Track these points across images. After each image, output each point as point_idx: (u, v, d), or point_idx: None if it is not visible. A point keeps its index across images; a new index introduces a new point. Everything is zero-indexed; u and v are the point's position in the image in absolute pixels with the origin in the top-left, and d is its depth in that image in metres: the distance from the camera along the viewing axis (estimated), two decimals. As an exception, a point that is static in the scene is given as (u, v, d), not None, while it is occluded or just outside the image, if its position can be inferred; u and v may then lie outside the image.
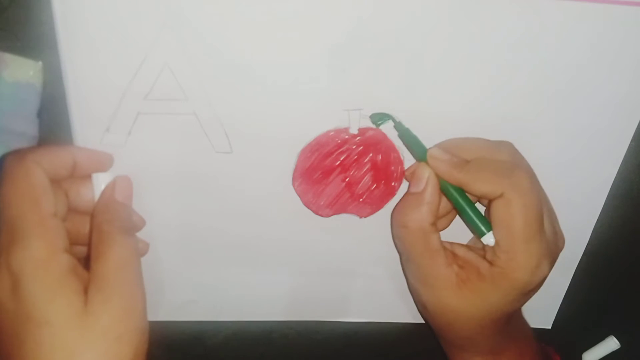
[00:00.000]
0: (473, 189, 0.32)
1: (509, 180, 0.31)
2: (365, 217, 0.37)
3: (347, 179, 0.36)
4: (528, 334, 0.39)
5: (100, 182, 0.33)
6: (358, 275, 0.40)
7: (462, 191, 0.33)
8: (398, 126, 0.34)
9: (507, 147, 0.33)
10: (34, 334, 0.27)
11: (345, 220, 0.37)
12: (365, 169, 0.35)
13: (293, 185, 0.36)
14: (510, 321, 0.35)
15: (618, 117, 0.35)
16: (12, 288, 0.27)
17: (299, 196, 0.36)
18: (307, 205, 0.36)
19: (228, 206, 0.36)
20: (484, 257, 0.33)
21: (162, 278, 0.39)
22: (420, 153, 0.34)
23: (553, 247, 0.32)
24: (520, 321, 0.38)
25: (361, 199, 0.36)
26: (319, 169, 0.35)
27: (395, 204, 0.37)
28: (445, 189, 0.33)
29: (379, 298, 0.41)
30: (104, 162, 0.33)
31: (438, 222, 0.35)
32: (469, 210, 0.33)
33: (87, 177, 0.33)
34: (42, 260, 0.27)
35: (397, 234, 0.34)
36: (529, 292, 0.32)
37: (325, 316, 0.42)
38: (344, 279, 0.40)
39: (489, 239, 0.32)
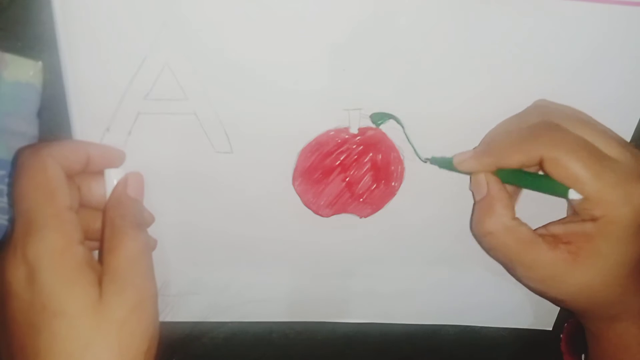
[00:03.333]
0: (510, 164, 0.31)
1: (539, 141, 0.30)
2: (365, 217, 0.37)
3: (347, 179, 0.36)
4: None
5: (112, 177, 0.33)
6: (358, 275, 0.40)
7: (521, 171, 0.32)
8: (433, 160, 0.35)
9: (535, 109, 0.32)
10: (50, 323, 0.27)
11: (345, 220, 0.37)
12: (365, 169, 0.35)
13: (293, 185, 0.36)
14: None
15: (618, 117, 0.35)
16: (28, 278, 0.27)
17: (299, 196, 0.36)
18: (307, 205, 0.36)
19: (228, 206, 0.36)
20: (586, 219, 0.31)
21: (162, 278, 0.39)
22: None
23: (635, 167, 0.30)
24: None
25: (361, 199, 0.36)
26: (319, 169, 0.35)
27: (395, 204, 0.37)
28: (507, 179, 0.32)
29: (379, 299, 0.41)
30: (116, 158, 0.33)
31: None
32: (538, 182, 0.31)
33: (99, 172, 0.33)
34: (58, 251, 0.27)
35: (487, 245, 0.33)
36: None
37: (325, 317, 0.42)
38: (344, 279, 0.40)
39: (574, 194, 0.30)
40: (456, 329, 0.44)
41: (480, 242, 0.34)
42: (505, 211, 0.32)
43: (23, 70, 0.34)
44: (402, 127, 0.34)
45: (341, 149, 0.35)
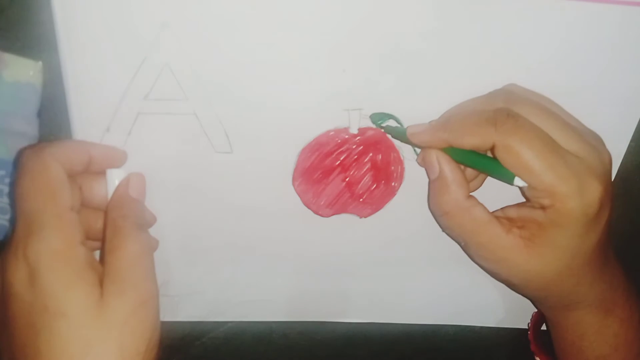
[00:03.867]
0: (462, 144, 0.31)
1: (494, 128, 0.29)
2: (365, 217, 0.37)
3: (347, 179, 0.36)
4: (631, 288, 0.36)
5: (114, 178, 0.33)
6: (358, 275, 0.40)
7: (474, 153, 0.31)
8: (387, 129, 0.34)
9: (501, 93, 0.32)
10: (50, 324, 0.27)
11: (345, 220, 0.37)
12: (365, 169, 0.35)
13: (293, 185, 0.36)
14: (605, 265, 0.33)
15: (618, 117, 0.35)
16: (29, 279, 0.27)
17: (299, 196, 0.36)
18: (307, 205, 0.36)
19: (228, 206, 0.36)
20: (537, 207, 0.31)
21: (162, 278, 0.39)
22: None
23: (593, 163, 0.30)
24: (619, 271, 0.36)
25: (361, 199, 0.36)
26: (319, 169, 0.35)
27: (394, 204, 0.37)
28: (458, 158, 0.32)
29: (379, 298, 0.41)
30: (118, 159, 0.33)
31: (470, 185, 0.34)
32: (489, 165, 0.31)
33: (101, 173, 0.33)
34: (60, 252, 0.27)
35: (443, 224, 0.33)
36: (595, 218, 0.30)
37: (325, 316, 0.42)
38: (344, 279, 0.40)
39: (519, 181, 0.29)
40: (456, 329, 0.44)
41: (437, 221, 0.34)
42: (459, 192, 0.32)
43: (23, 70, 0.34)
44: (402, 127, 0.34)
45: (341, 149, 0.35)
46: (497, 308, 0.42)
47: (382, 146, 0.35)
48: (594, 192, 0.30)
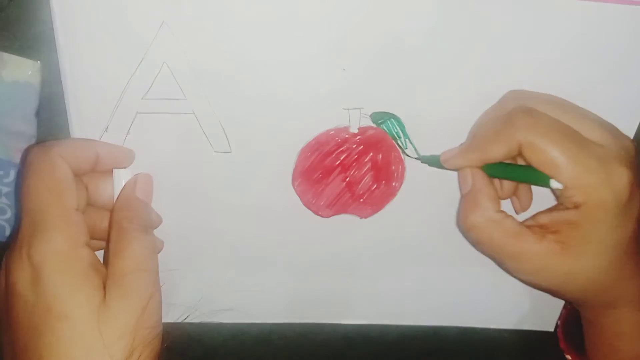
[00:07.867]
0: (494, 156, 0.31)
1: (513, 129, 0.29)
2: (365, 217, 0.37)
3: (347, 179, 0.35)
4: None
5: (121, 178, 0.33)
6: (358, 276, 0.40)
7: (507, 164, 0.31)
8: (423, 159, 0.34)
9: (511, 95, 0.32)
10: (53, 326, 0.27)
11: (345, 221, 0.37)
12: (365, 169, 0.35)
13: (293, 185, 0.35)
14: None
15: (618, 118, 0.34)
16: (33, 280, 0.27)
17: (299, 196, 0.36)
18: (307, 205, 0.36)
19: (227, 206, 0.36)
20: (570, 207, 0.30)
21: (161, 278, 0.38)
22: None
23: (617, 150, 0.30)
24: None
25: (362, 199, 0.36)
26: (319, 169, 0.35)
27: (395, 204, 0.37)
28: (495, 173, 0.32)
29: (380, 299, 0.41)
30: (125, 158, 0.33)
31: (521, 201, 0.34)
32: (522, 173, 0.31)
33: (108, 172, 0.33)
34: (64, 253, 0.27)
35: (474, 239, 0.33)
36: (627, 205, 0.30)
37: (325, 318, 0.42)
38: (344, 280, 0.40)
39: (555, 183, 0.29)
40: (457, 330, 0.44)
41: (466, 237, 0.33)
42: (490, 204, 0.31)
43: (21, 70, 0.34)
44: (403, 126, 0.34)
45: (341, 149, 0.34)
46: (499, 309, 0.42)
47: (383, 146, 0.35)
48: (622, 178, 0.29)
